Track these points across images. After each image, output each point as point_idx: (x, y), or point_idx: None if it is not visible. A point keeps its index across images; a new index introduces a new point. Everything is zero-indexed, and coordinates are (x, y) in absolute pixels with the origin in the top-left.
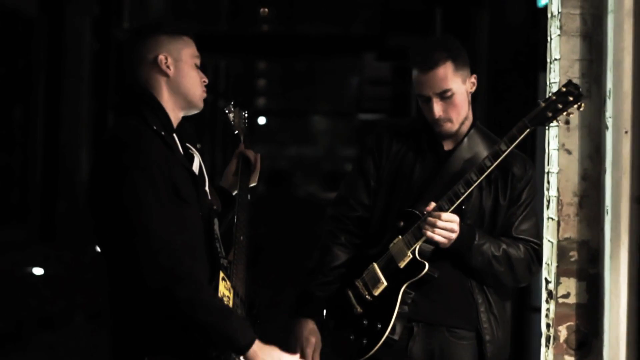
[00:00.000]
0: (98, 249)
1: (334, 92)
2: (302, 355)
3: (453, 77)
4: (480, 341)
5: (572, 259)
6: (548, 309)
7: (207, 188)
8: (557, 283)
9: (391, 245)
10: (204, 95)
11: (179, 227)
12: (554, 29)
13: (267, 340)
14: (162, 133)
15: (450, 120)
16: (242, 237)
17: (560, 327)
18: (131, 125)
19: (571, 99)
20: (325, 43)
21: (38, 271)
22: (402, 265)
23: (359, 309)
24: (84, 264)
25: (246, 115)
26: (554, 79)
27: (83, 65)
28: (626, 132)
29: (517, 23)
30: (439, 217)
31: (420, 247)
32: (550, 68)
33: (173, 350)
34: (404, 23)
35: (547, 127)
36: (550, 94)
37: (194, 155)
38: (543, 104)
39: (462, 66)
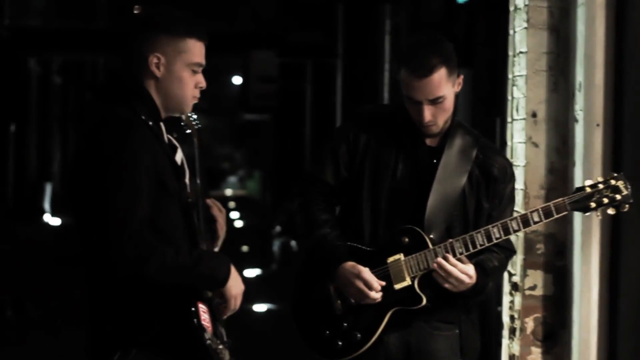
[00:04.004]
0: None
1: (215, 91)
2: (371, 289)
3: (446, 82)
4: (461, 334)
5: (539, 252)
6: (512, 301)
7: (187, 180)
8: (524, 275)
9: (390, 260)
10: (195, 100)
11: (157, 216)
12: (518, 22)
13: None
14: (150, 123)
15: (436, 124)
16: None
17: (526, 319)
18: (119, 112)
19: (619, 198)
20: (210, 40)
21: None
22: (397, 287)
23: (340, 310)
24: None
25: (194, 116)
26: (520, 72)
27: None
28: (598, 125)
29: (435, 20)
30: (456, 267)
31: (420, 277)
32: (514, 61)
33: (155, 340)
34: (302, 18)
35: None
36: (598, 181)
37: (177, 146)
38: (589, 189)
39: (454, 70)
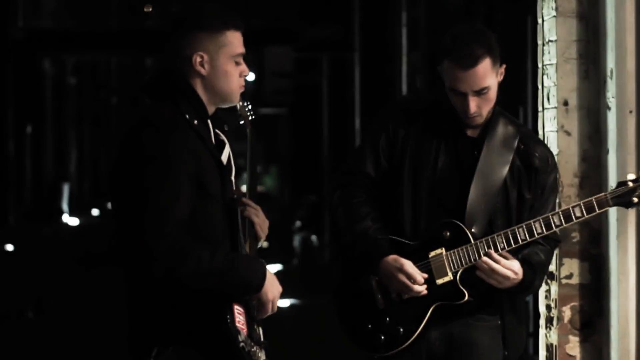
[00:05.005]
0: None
1: None
2: (415, 282)
3: (490, 73)
4: (503, 326)
5: (574, 240)
6: (548, 290)
7: (232, 177)
8: (560, 264)
9: (432, 255)
10: (242, 89)
11: (196, 219)
12: (547, 10)
13: None
14: (195, 122)
15: (481, 115)
16: (249, 242)
17: (564, 308)
18: (164, 112)
19: None
20: None
21: None
22: (439, 282)
23: (382, 305)
24: None
25: (249, 105)
26: (550, 61)
27: None
28: (630, 111)
29: (453, 11)
30: (499, 262)
31: (462, 272)
32: (543, 50)
33: (190, 339)
34: (318, 12)
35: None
36: None
37: (225, 143)
38: (631, 184)
39: (497, 60)
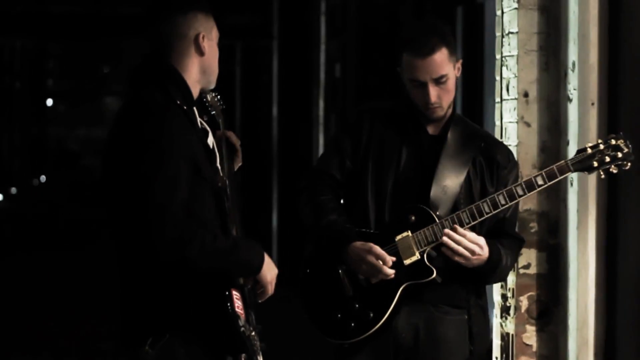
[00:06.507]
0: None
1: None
2: (384, 263)
3: (448, 62)
4: (470, 321)
5: (532, 230)
6: (505, 280)
7: (218, 164)
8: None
9: (398, 238)
10: None
11: (193, 203)
12: (507, 2)
13: None
14: (184, 107)
15: (441, 106)
16: (235, 227)
17: (521, 297)
18: (156, 97)
19: (620, 156)
20: (130, 23)
21: None
22: (407, 262)
23: (351, 292)
24: None
25: (219, 97)
26: (510, 52)
27: None
28: (593, 104)
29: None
30: (464, 236)
31: (429, 251)
32: (502, 41)
33: (188, 325)
34: (237, 1)
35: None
36: (599, 141)
37: (208, 130)
38: (590, 150)
39: (453, 52)
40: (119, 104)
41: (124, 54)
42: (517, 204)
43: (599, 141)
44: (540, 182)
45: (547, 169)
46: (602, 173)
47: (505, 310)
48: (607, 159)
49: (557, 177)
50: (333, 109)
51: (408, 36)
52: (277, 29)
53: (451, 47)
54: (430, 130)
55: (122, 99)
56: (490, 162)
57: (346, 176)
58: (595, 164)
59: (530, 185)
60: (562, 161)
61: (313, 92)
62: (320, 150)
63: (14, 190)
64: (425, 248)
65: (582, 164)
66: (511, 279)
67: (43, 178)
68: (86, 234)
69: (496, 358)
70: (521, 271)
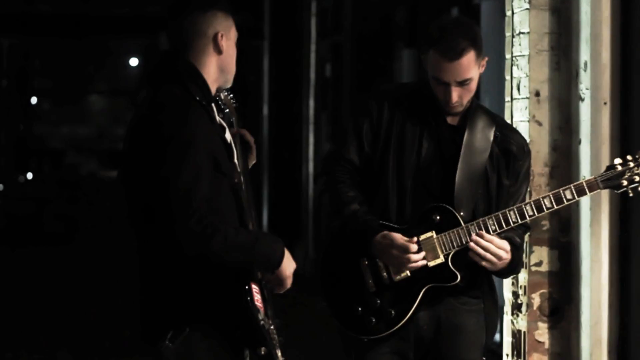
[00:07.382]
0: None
1: (115, 72)
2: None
3: (474, 65)
4: (485, 309)
5: (544, 228)
6: (515, 278)
7: (235, 160)
8: (530, 252)
9: (422, 238)
10: None
11: (215, 198)
12: (518, 3)
13: None
14: (203, 103)
15: (462, 104)
16: (252, 223)
17: (533, 295)
18: (176, 94)
19: None
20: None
21: None
22: (431, 264)
23: (373, 287)
24: None
25: (231, 95)
26: (521, 52)
27: None
28: (605, 103)
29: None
30: (492, 242)
31: (453, 254)
32: (512, 42)
33: (208, 319)
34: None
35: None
36: (628, 159)
37: (225, 126)
38: (619, 168)
39: (480, 52)
40: (104, 103)
41: (109, 54)
42: (527, 192)
43: (628, 158)
44: (568, 196)
45: (576, 183)
46: (630, 192)
47: (516, 308)
48: (637, 178)
49: (586, 193)
50: (323, 109)
51: (437, 34)
52: (268, 29)
53: (479, 49)
54: (449, 120)
55: (106, 97)
56: (507, 154)
57: (364, 161)
58: (625, 182)
59: (558, 199)
60: (592, 177)
61: (303, 92)
62: (311, 149)
63: (0, 186)
64: (450, 251)
65: (612, 182)
66: (523, 276)
67: (30, 175)
68: (72, 231)
69: (507, 355)
70: (533, 268)
